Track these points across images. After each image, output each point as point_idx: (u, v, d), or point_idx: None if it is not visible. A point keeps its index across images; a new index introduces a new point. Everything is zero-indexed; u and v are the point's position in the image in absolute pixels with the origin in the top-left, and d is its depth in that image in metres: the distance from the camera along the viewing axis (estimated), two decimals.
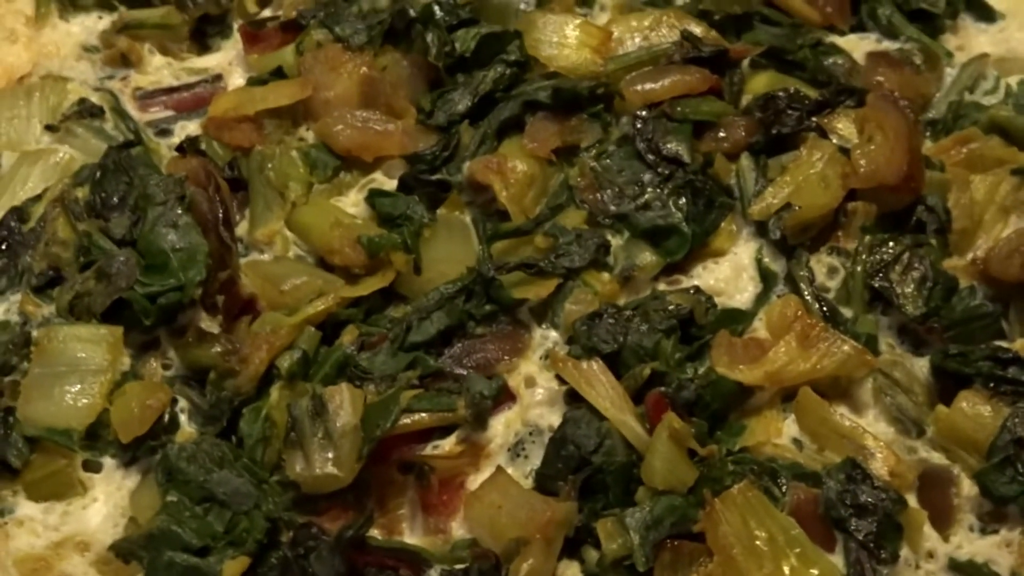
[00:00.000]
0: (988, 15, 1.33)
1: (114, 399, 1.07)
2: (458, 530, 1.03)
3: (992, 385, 1.07)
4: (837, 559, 1.00)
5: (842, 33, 1.31)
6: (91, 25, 1.33)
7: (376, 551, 1.00)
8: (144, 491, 1.04)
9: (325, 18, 1.28)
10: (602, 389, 1.05)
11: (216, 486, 1.02)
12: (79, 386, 1.07)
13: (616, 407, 1.04)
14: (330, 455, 1.00)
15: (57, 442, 1.05)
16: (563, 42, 1.25)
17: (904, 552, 1.01)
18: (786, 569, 0.98)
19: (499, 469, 1.04)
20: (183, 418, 1.09)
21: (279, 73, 1.27)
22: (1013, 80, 1.26)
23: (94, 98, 1.25)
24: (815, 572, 0.98)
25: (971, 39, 1.32)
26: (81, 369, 1.08)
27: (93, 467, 1.06)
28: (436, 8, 1.26)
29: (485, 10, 1.28)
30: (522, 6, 1.30)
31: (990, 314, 1.11)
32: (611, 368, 1.06)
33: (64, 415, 1.06)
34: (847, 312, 1.13)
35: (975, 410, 1.05)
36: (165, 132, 1.26)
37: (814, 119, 1.20)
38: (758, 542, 0.97)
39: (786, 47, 1.26)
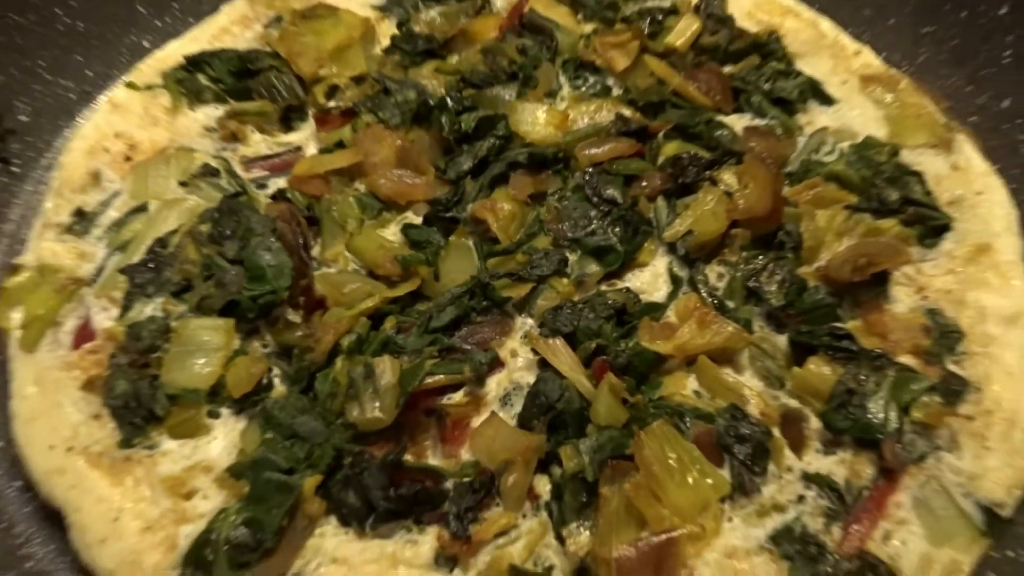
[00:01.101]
0: (827, 100, 1.30)
1: (228, 368, 1.05)
2: (465, 455, 1.01)
3: (831, 353, 1.05)
4: (725, 472, 0.99)
5: (727, 114, 1.28)
6: (210, 113, 1.30)
7: (408, 470, 0.99)
8: (249, 431, 1.03)
9: (372, 106, 1.25)
10: (563, 358, 1.04)
11: (299, 427, 1.01)
12: (203, 360, 1.06)
13: (573, 370, 1.03)
14: (376, 404, 0.99)
15: (189, 398, 1.05)
16: (535, 122, 1.22)
17: (771, 467, 1.00)
18: (689, 479, 0.96)
19: (493, 413, 1.03)
20: (276, 381, 1.07)
21: (340, 145, 1.24)
22: (844, 145, 1.24)
23: (213, 163, 1.23)
24: (710, 481, 0.97)
25: (816, 117, 1.29)
26: (205, 348, 1.07)
27: (214, 415, 1.05)
28: (448, 100, 1.24)
29: (481, 100, 1.25)
30: (507, 97, 1.26)
31: (829, 304, 1.09)
32: (569, 344, 1.05)
33: (194, 379, 1.05)
34: (731, 304, 1.11)
35: (819, 370, 1.05)
36: (262, 186, 1.24)
37: (707, 172, 1.18)
38: (670, 460, 0.96)
39: (688, 123, 1.24)
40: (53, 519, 1.02)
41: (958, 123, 1.28)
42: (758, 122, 1.27)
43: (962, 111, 1.30)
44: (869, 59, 1.35)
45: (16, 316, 1.12)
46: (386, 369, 1.00)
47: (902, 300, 1.12)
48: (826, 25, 1.40)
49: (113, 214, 1.21)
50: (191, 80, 1.32)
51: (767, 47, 1.34)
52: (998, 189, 1.21)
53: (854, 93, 1.31)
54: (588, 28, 1.38)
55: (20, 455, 1.04)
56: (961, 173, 1.22)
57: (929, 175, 1.21)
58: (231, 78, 1.31)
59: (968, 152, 1.24)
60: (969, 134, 1.26)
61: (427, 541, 0.96)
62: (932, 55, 1.35)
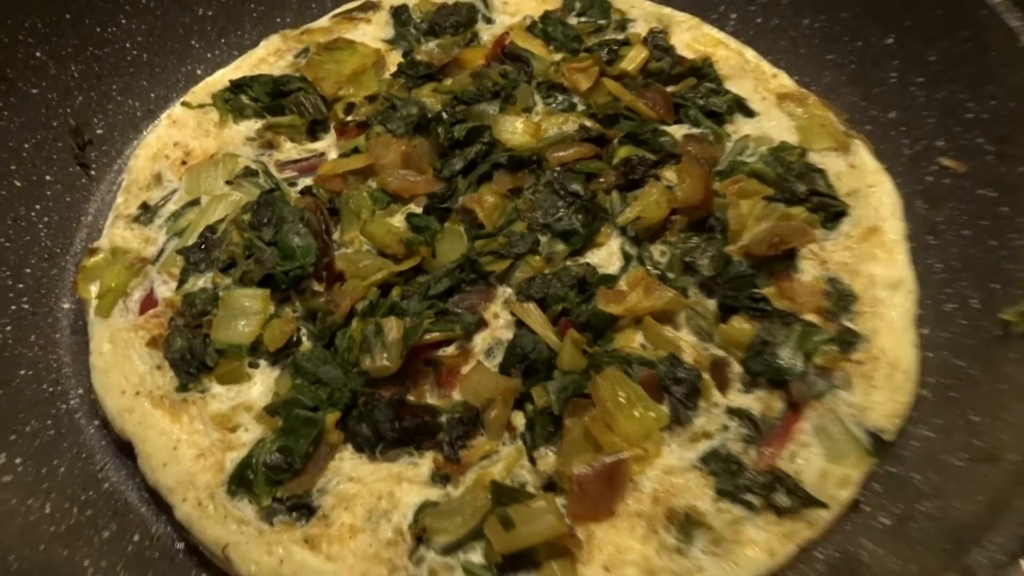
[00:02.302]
0: (750, 113, 1.29)
1: (265, 328, 1.05)
2: (456, 396, 1.01)
3: (750, 312, 1.05)
4: (664, 407, 0.99)
5: (669, 124, 1.26)
6: (251, 126, 1.29)
7: (410, 407, 0.98)
8: (282, 378, 1.02)
9: (381, 120, 1.25)
10: (535, 318, 1.03)
11: (322, 374, 1.00)
12: (245, 322, 1.05)
13: (543, 328, 1.02)
14: (385, 355, 0.98)
15: (233, 352, 1.04)
16: (514, 131, 1.22)
17: (701, 403, 1.00)
18: (636, 413, 0.96)
19: (479, 363, 1.03)
20: (304, 338, 1.06)
21: (356, 150, 1.23)
22: (763, 148, 1.23)
23: (252, 166, 1.22)
24: (652, 414, 0.97)
25: (741, 126, 1.27)
26: (246, 312, 1.06)
27: (253, 365, 1.05)
28: (443, 114, 1.23)
29: (470, 115, 1.24)
30: (491, 112, 1.25)
31: (749, 274, 1.09)
32: (540, 307, 1.04)
33: (237, 337, 1.04)
34: (671, 275, 1.11)
35: (740, 326, 1.05)
36: (293, 184, 1.22)
37: (653, 171, 1.17)
38: (620, 398, 0.96)
39: (637, 132, 1.22)
40: (124, 450, 1.02)
41: (855, 131, 1.28)
42: (694, 131, 1.27)
43: (858, 121, 1.30)
44: (784, 80, 1.35)
45: (94, 289, 1.12)
46: (392, 327, 1.00)
47: (807, 271, 1.12)
48: (750, 53, 1.39)
49: (172, 207, 1.20)
50: (235, 100, 1.32)
51: (702, 71, 1.33)
52: (886, 183, 1.21)
53: (772, 107, 1.30)
54: (558, 57, 1.37)
55: (98, 399, 1.05)
56: (857, 170, 1.22)
57: (831, 172, 1.21)
58: (267, 98, 1.31)
59: (863, 154, 1.25)
60: (864, 140, 1.27)
61: (425, 463, 0.97)
62: (834, 77, 1.35)
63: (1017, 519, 0.68)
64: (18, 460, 0.95)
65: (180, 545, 0.96)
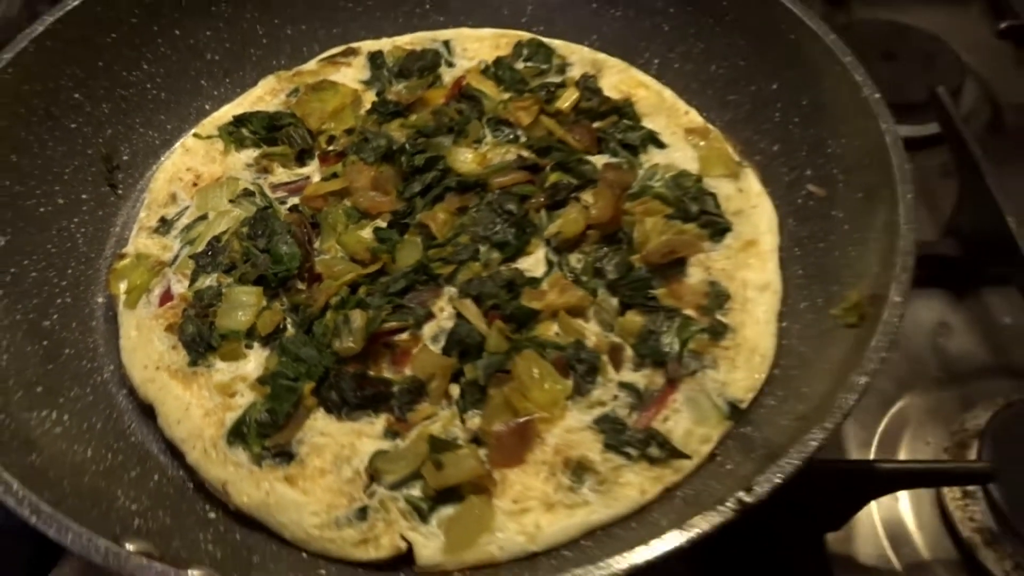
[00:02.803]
0: (661, 145, 1.50)
1: (258, 318, 1.25)
2: (407, 371, 1.21)
3: (642, 308, 1.26)
4: (569, 382, 1.19)
5: (593, 154, 1.47)
6: (250, 154, 1.49)
7: (370, 379, 1.18)
8: (271, 356, 1.23)
9: (356, 150, 1.46)
10: (471, 311, 1.24)
11: (302, 354, 1.20)
12: (242, 313, 1.25)
13: (476, 319, 1.23)
14: (351, 339, 1.18)
15: (233, 336, 1.24)
16: (464, 160, 1.43)
17: (599, 379, 1.20)
18: (546, 385, 1.16)
19: (425, 346, 1.23)
20: (289, 326, 1.27)
21: (335, 175, 1.44)
22: (669, 175, 1.45)
23: (250, 187, 1.42)
24: (559, 387, 1.16)
25: (653, 156, 1.48)
26: (244, 305, 1.26)
27: (249, 347, 1.24)
28: (407, 146, 1.45)
29: (429, 146, 1.45)
30: (447, 144, 1.46)
31: (647, 278, 1.30)
32: (476, 303, 1.25)
33: (237, 324, 1.24)
34: (584, 278, 1.31)
35: (633, 319, 1.25)
36: (283, 202, 1.42)
37: (574, 194, 1.40)
38: (534, 373, 1.17)
39: (566, 161, 1.43)
40: (146, 412, 1.25)
41: (746, 161, 1.52)
42: (613, 160, 1.48)
43: (750, 152, 1.53)
44: (694, 117, 1.58)
45: (122, 286, 1.34)
46: (357, 318, 1.20)
47: (694, 275, 1.34)
48: (668, 93, 1.62)
49: (185, 220, 1.42)
50: (237, 132, 1.54)
51: (623, 110, 1.56)
52: (766, 204, 1.43)
53: (679, 140, 1.52)
54: (506, 96, 1.60)
55: (126, 372, 1.27)
56: (744, 194, 1.45)
57: (721, 195, 1.43)
58: (264, 131, 1.53)
59: (751, 180, 1.47)
60: (753, 168, 1.50)
61: (380, 422, 1.17)
62: (734, 115, 1.58)
63: (790, 458, 0.95)
64: (65, 417, 1.17)
65: (190, 484, 1.14)
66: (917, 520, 1.38)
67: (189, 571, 0.90)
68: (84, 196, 1.48)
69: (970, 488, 1.36)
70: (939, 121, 1.72)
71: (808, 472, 1.19)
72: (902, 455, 1.44)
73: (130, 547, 0.92)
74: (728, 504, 0.90)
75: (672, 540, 0.87)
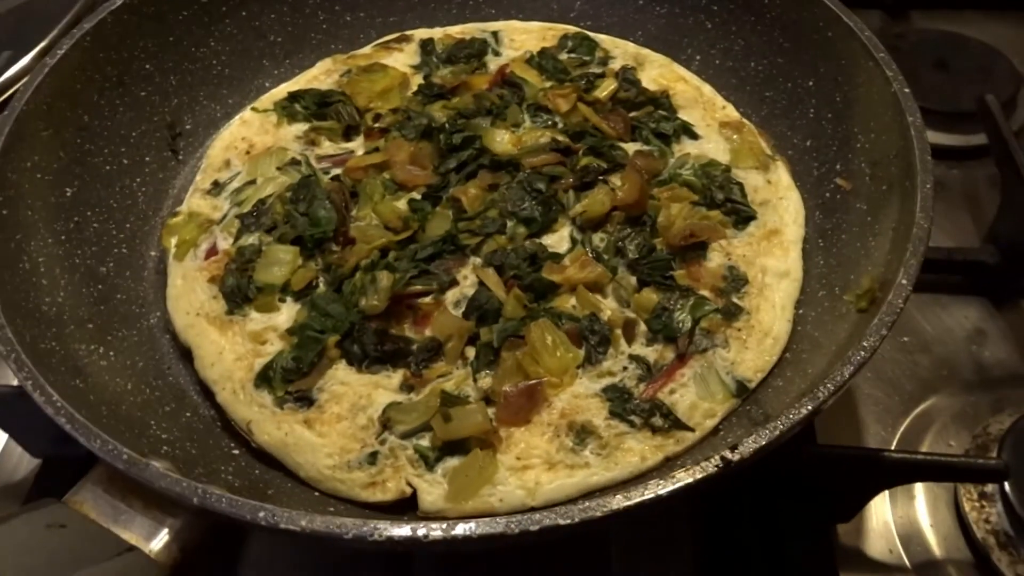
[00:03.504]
0: (694, 136, 1.54)
1: (293, 275, 1.33)
2: (427, 332, 1.26)
3: (658, 286, 1.30)
4: (581, 351, 1.24)
5: (626, 142, 1.51)
6: (300, 127, 1.57)
7: (391, 336, 1.24)
8: (301, 310, 1.30)
9: (398, 127, 1.54)
10: (491, 279, 1.29)
11: (330, 310, 1.27)
12: (278, 268, 1.32)
13: (496, 287, 1.28)
14: (376, 298, 1.25)
15: (269, 289, 1.32)
16: (500, 141, 1.49)
17: (611, 351, 1.25)
18: (558, 353, 1.20)
19: (445, 309, 1.29)
20: (321, 283, 1.33)
21: (376, 149, 1.51)
22: (699, 164, 1.48)
23: (298, 157, 1.51)
24: (570, 355, 1.21)
25: (685, 146, 1.52)
26: (281, 262, 1.33)
27: (282, 300, 1.32)
28: (446, 125, 1.52)
29: (467, 126, 1.51)
30: (484, 124, 1.52)
31: (666, 259, 1.34)
32: (498, 272, 1.31)
33: (272, 279, 1.32)
34: (606, 256, 1.35)
35: (649, 295, 1.29)
36: (327, 172, 1.50)
37: (603, 176, 1.44)
38: (548, 340, 1.22)
39: (598, 146, 1.48)
40: (185, 355, 1.33)
41: (779, 155, 1.55)
42: (645, 148, 1.53)
43: (783, 147, 1.56)
44: (731, 112, 1.62)
45: (173, 240, 1.44)
46: (383, 278, 1.27)
47: (714, 259, 1.37)
48: (707, 88, 1.67)
49: (235, 184, 1.51)
50: (290, 107, 1.63)
51: (659, 101, 1.61)
52: (794, 196, 1.46)
53: (713, 132, 1.56)
54: (547, 84, 1.66)
55: (170, 318, 1.36)
56: (772, 185, 1.48)
57: (749, 185, 1.46)
58: (315, 106, 1.62)
59: (781, 173, 1.50)
60: (785, 162, 1.53)
61: (397, 377, 1.23)
62: (769, 110, 1.61)
63: (777, 423, 0.97)
64: (111, 353, 1.26)
65: (219, 423, 1.20)
66: (931, 519, 1.37)
67: (212, 488, 0.96)
68: (147, 159, 1.58)
69: (987, 489, 1.34)
70: (985, 128, 1.71)
71: (817, 457, 1.23)
72: None
73: (155, 463, 1.00)
74: (712, 460, 0.92)
75: (653, 489, 0.90)
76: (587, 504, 0.90)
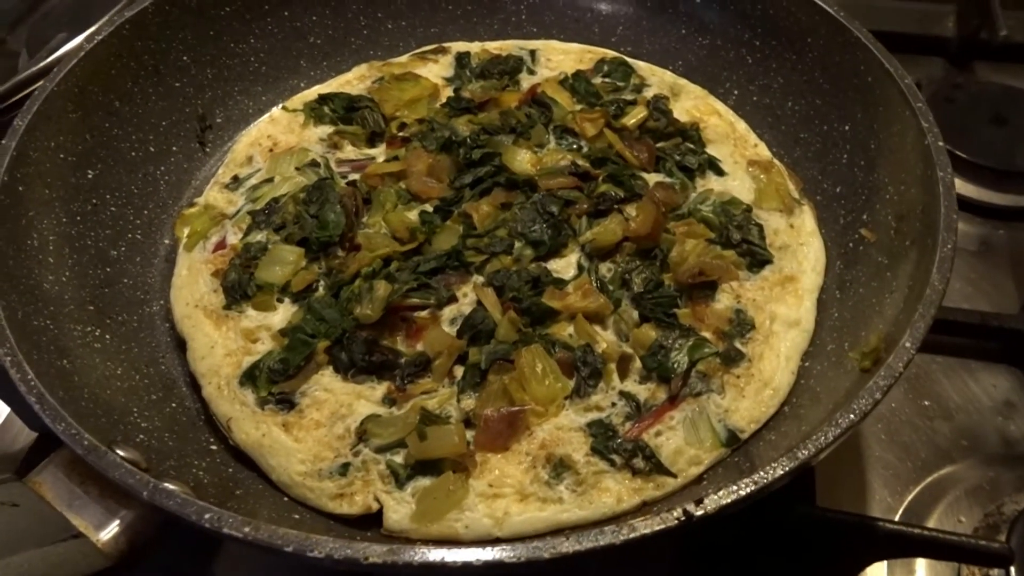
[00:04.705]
0: (720, 172, 1.50)
1: (294, 275, 1.33)
2: (419, 347, 1.25)
3: (659, 322, 1.27)
4: (571, 382, 1.21)
5: (648, 172, 1.48)
6: (325, 130, 1.58)
7: (381, 347, 1.23)
8: (297, 312, 1.30)
9: (420, 138, 1.54)
10: (490, 298, 1.28)
11: (325, 314, 1.26)
12: (280, 268, 1.33)
13: (493, 308, 1.26)
14: (370, 306, 1.24)
15: (268, 288, 1.32)
16: (520, 160, 1.47)
17: (602, 385, 1.21)
18: (546, 382, 1.18)
19: (439, 325, 1.27)
20: (320, 287, 1.33)
21: (395, 158, 1.51)
22: (720, 200, 1.44)
23: (318, 159, 1.51)
24: (559, 384, 1.19)
25: (709, 182, 1.48)
26: (284, 262, 1.34)
27: (280, 300, 1.32)
28: (468, 140, 1.51)
29: (489, 143, 1.50)
30: (506, 142, 1.51)
31: (671, 296, 1.30)
32: (498, 293, 1.29)
33: (273, 278, 1.32)
34: (611, 287, 1.32)
35: (648, 332, 1.25)
36: (344, 176, 1.50)
37: (618, 205, 1.41)
38: (537, 368, 1.19)
39: (618, 175, 1.45)
40: (180, 345, 1.34)
41: (806, 199, 1.49)
42: (667, 180, 1.49)
43: (812, 191, 1.51)
44: (762, 150, 1.57)
45: (186, 230, 1.45)
46: (380, 287, 1.26)
47: (722, 301, 1.32)
48: (741, 125, 1.63)
49: (253, 181, 1.52)
50: (319, 109, 1.64)
51: (688, 133, 1.57)
52: (816, 243, 1.41)
53: (740, 170, 1.52)
54: (577, 107, 1.63)
55: (172, 308, 1.38)
56: (795, 230, 1.42)
57: (770, 228, 1.41)
58: (342, 110, 1.63)
59: (806, 217, 1.45)
60: (811, 206, 1.48)
61: (381, 389, 1.22)
62: (802, 152, 1.56)
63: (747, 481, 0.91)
64: (107, 336, 1.28)
65: (202, 417, 1.21)
66: None
67: (165, 484, 0.96)
68: (174, 148, 1.61)
69: (992, 573, 1.25)
70: None
71: (810, 518, 1.17)
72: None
73: (120, 452, 0.99)
74: (674, 512, 0.88)
75: (607, 537, 0.86)
76: (536, 544, 0.86)
